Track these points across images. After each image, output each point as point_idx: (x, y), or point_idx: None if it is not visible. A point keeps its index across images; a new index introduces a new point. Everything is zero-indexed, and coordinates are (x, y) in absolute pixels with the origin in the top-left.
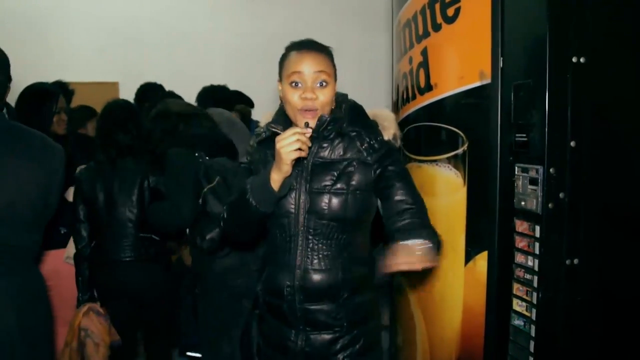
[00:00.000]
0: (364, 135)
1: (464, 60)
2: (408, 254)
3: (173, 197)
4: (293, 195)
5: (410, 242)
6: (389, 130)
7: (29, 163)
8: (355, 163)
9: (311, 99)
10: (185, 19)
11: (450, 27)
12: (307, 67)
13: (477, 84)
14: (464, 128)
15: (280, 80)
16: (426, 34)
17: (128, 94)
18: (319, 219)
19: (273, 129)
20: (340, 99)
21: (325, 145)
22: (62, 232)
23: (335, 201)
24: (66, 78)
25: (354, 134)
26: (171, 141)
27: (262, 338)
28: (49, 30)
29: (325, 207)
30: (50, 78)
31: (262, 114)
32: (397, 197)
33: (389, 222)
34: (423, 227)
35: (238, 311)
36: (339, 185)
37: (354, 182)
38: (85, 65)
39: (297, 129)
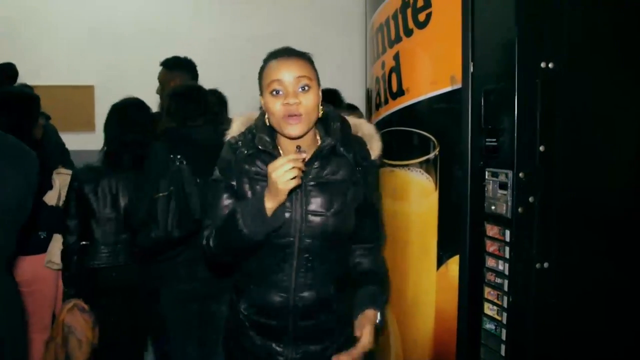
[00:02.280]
0: (357, 156)
1: (435, 65)
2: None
3: (135, 193)
4: (288, 216)
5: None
6: (375, 151)
7: (5, 166)
8: (349, 182)
9: (294, 103)
10: (164, 20)
11: (422, 32)
12: (287, 73)
13: (449, 88)
14: (436, 133)
15: (261, 93)
16: (398, 39)
17: (104, 98)
18: (315, 239)
19: (262, 148)
20: (330, 114)
21: (317, 165)
22: (42, 237)
23: (331, 222)
24: (40, 81)
25: (348, 155)
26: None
27: (244, 354)
28: (22, 31)
29: (322, 229)
30: (23, 80)
31: (235, 118)
32: (371, 227)
33: (354, 244)
34: (376, 282)
35: (183, 315)
36: (335, 207)
37: (347, 202)
38: (60, 68)
39: (292, 156)
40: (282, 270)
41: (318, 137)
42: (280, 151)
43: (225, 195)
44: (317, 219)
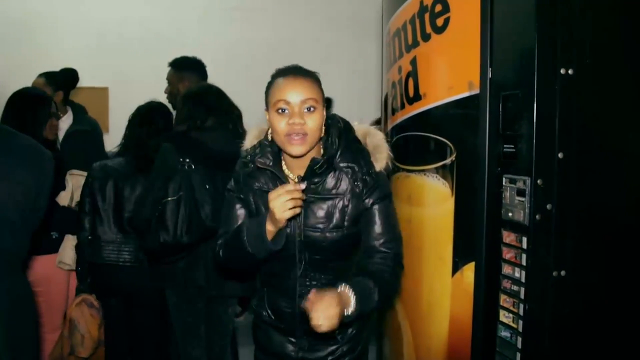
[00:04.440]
0: (357, 170)
1: (453, 71)
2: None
3: (143, 194)
4: (289, 231)
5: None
6: (382, 161)
7: (18, 166)
8: (348, 196)
9: (299, 123)
10: (175, 25)
11: (440, 37)
12: (294, 94)
13: (466, 94)
14: (453, 138)
15: (267, 109)
16: (415, 44)
17: (117, 99)
18: (314, 254)
19: (261, 166)
20: (330, 123)
21: (317, 180)
22: (54, 237)
23: (330, 236)
24: None
25: (347, 169)
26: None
27: (258, 345)
28: (38, 34)
29: (322, 243)
30: None
31: (249, 130)
32: (376, 234)
33: (362, 253)
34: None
35: (188, 316)
36: (334, 221)
37: (348, 216)
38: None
39: (289, 187)
40: (289, 278)
41: (322, 152)
42: (284, 166)
43: (237, 206)
44: (315, 233)
